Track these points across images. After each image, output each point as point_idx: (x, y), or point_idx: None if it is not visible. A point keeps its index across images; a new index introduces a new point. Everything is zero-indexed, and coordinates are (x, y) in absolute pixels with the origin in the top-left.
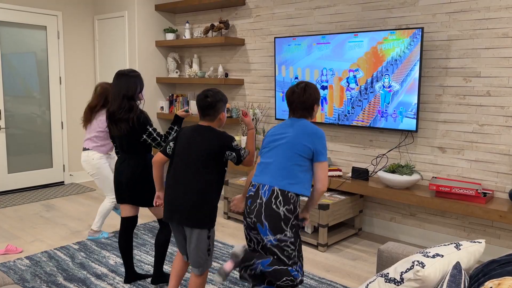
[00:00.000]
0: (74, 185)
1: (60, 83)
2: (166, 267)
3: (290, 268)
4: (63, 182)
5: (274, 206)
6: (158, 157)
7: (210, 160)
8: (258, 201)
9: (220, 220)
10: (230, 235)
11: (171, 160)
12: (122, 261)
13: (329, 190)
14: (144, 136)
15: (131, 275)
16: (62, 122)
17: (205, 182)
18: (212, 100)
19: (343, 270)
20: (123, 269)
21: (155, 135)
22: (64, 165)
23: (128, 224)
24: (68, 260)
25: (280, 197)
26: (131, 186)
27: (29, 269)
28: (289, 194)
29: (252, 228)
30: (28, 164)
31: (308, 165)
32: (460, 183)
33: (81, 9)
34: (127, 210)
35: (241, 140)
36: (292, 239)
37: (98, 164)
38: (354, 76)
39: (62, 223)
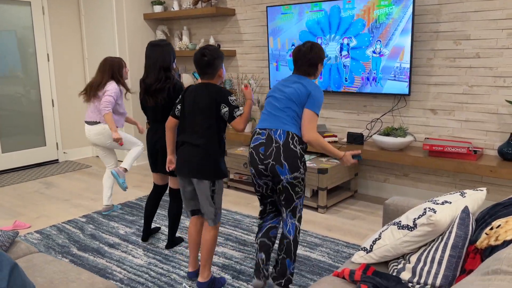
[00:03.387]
0: (69, 162)
1: (48, 60)
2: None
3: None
4: (57, 160)
5: (292, 146)
6: (169, 121)
7: (210, 114)
8: (275, 144)
9: None
10: (231, 202)
11: (180, 120)
12: (132, 231)
13: (326, 155)
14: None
15: (147, 233)
16: (52, 100)
17: (208, 136)
18: (209, 58)
19: (344, 228)
20: (134, 238)
21: None
22: (57, 143)
23: (160, 190)
24: (78, 232)
25: (296, 137)
26: (165, 156)
27: (41, 242)
28: (301, 137)
29: (264, 175)
30: (21, 143)
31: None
32: (452, 142)
33: None
34: (160, 178)
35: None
36: (303, 175)
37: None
38: (347, 44)
39: (64, 198)
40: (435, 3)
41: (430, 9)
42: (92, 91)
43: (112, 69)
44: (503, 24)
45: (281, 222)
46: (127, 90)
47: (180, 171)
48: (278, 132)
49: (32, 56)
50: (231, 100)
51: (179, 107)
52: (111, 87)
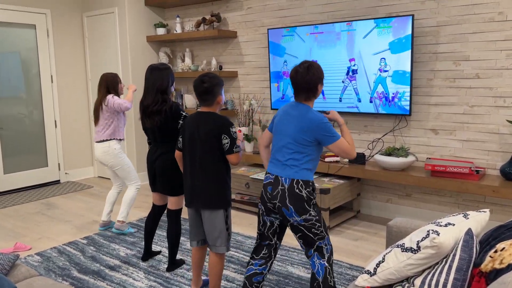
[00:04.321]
0: (71, 183)
1: (52, 82)
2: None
3: (318, 243)
4: (59, 180)
5: (297, 190)
6: (176, 154)
7: (213, 143)
8: (280, 187)
9: None
10: (233, 223)
11: (184, 151)
12: (132, 253)
13: (328, 175)
14: (180, 122)
15: (148, 253)
16: (55, 121)
17: (213, 166)
18: (208, 85)
19: (347, 249)
20: (135, 260)
21: None
22: (59, 164)
23: (158, 210)
24: (79, 254)
25: (301, 182)
26: (164, 175)
27: (42, 264)
28: (308, 180)
29: (272, 212)
30: (23, 164)
31: (314, 150)
32: (454, 162)
33: (69, 7)
34: (158, 198)
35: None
36: (317, 217)
37: (119, 152)
38: (349, 67)
39: (65, 220)
40: (433, 25)
41: (428, 31)
42: (96, 113)
43: (106, 84)
44: (502, 45)
45: (310, 261)
46: None
47: (191, 204)
48: (283, 177)
49: (36, 77)
50: (232, 132)
51: (180, 139)
52: (110, 97)
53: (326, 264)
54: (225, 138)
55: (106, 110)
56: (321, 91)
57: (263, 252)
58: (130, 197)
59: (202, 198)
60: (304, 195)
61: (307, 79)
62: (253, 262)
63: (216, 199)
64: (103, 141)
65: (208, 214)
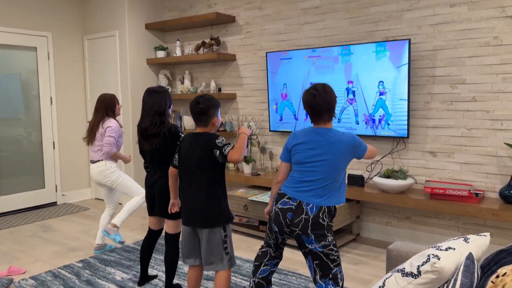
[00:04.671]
0: (67, 205)
1: (51, 103)
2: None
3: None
4: (55, 202)
5: (321, 220)
6: (170, 170)
7: (206, 161)
8: (304, 216)
9: None
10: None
11: (180, 169)
12: (128, 277)
13: None
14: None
15: (144, 278)
16: (53, 142)
17: (209, 183)
18: (203, 107)
19: (347, 274)
20: (131, 284)
21: None
22: (56, 186)
23: (154, 235)
24: (74, 278)
25: (326, 212)
26: (163, 199)
27: None
28: (333, 207)
29: (287, 234)
30: (20, 185)
31: (345, 172)
32: (453, 185)
33: (70, 30)
34: (155, 223)
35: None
36: (334, 241)
37: (116, 170)
38: (348, 88)
39: (61, 242)
40: (430, 49)
41: (425, 55)
42: (91, 133)
43: (105, 106)
44: (498, 69)
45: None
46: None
47: (188, 223)
48: (310, 205)
49: (35, 98)
50: (218, 142)
51: (176, 156)
52: (112, 126)
53: None
54: (216, 151)
55: (103, 133)
56: None
57: (276, 254)
58: (133, 204)
59: (200, 217)
60: (326, 224)
61: (328, 99)
62: (267, 262)
63: (214, 217)
64: (99, 160)
65: (206, 233)
